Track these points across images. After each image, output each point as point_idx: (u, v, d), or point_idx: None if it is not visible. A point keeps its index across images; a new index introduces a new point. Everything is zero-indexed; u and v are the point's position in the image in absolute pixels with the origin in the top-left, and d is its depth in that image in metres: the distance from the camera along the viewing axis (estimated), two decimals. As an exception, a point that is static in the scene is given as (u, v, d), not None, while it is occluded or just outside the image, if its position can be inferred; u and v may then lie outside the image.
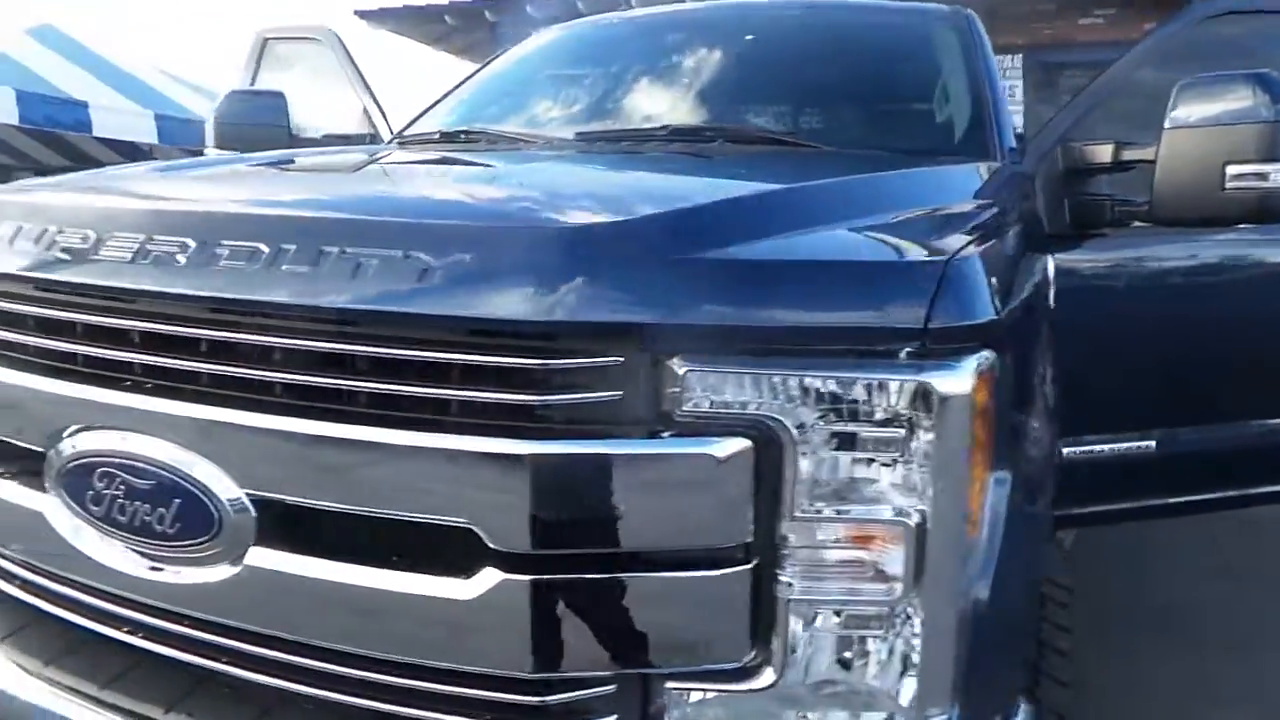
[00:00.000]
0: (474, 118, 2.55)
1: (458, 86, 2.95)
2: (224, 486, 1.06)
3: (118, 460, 1.11)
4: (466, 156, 1.96)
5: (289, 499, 1.04)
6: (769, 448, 0.98)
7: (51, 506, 1.19)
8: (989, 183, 1.73)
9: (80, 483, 1.15)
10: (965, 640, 1.02)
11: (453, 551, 1.01)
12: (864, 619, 1.02)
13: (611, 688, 1.02)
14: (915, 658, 1.01)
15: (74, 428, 1.16)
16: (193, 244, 1.11)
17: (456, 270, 0.99)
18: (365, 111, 3.08)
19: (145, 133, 8.82)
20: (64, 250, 1.19)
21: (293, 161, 1.80)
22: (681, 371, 0.96)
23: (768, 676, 1.01)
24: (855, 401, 0.98)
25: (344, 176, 1.64)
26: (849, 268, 1.03)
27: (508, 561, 0.98)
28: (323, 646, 1.06)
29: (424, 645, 1.02)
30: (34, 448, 1.20)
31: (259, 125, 2.77)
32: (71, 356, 1.18)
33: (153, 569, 1.11)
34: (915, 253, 1.07)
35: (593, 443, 0.97)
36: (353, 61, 3.11)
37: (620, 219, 1.04)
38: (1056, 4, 8.10)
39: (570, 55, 2.84)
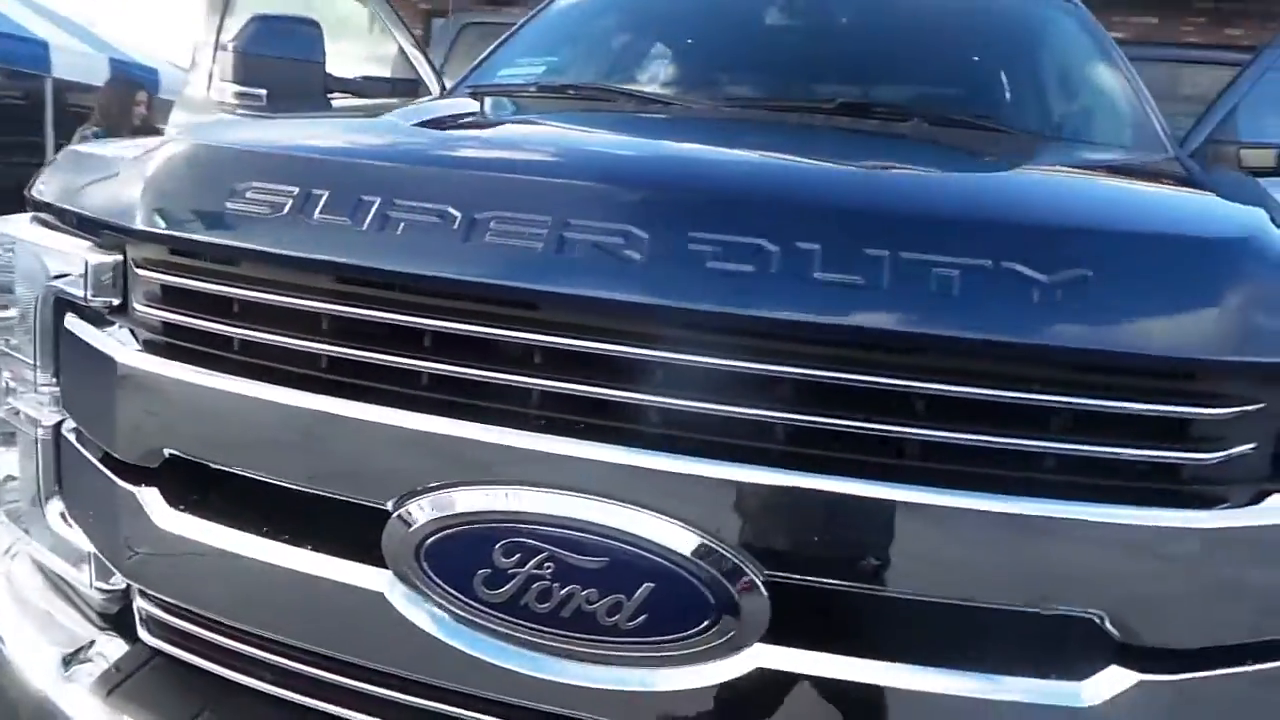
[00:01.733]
0: (569, 71, 2.22)
1: (516, 31, 2.57)
2: (726, 565, 0.79)
3: (542, 530, 0.81)
4: (712, 123, 1.63)
5: (826, 582, 0.79)
6: None
7: (395, 586, 0.86)
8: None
9: (461, 556, 0.83)
10: None
11: (1048, 647, 0.80)
12: None
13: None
14: None
15: (445, 481, 0.84)
16: (644, 235, 0.82)
17: (1074, 289, 0.77)
18: (402, 53, 2.65)
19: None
20: (425, 232, 0.85)
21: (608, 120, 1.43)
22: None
23: None
24: None
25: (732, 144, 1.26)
26: None
27: (1143, 660, 0.77)
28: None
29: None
30: (370, 503, 0.87)
31: (291, 60, 2.31)
32: (451, 382, 0.86)
33: (593, 673, 0.82)
34: None
35: (1262, 511, 0.78)
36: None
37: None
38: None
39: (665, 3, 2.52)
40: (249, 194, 0.93)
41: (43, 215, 1.21)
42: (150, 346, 1.00)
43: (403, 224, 0.86)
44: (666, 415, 0.81)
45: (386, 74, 2.66)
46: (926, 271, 0.78)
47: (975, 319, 0.77)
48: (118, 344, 0.98)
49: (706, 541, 0.79)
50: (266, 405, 0.88)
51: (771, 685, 0.80)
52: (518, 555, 0.82)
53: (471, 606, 0.84)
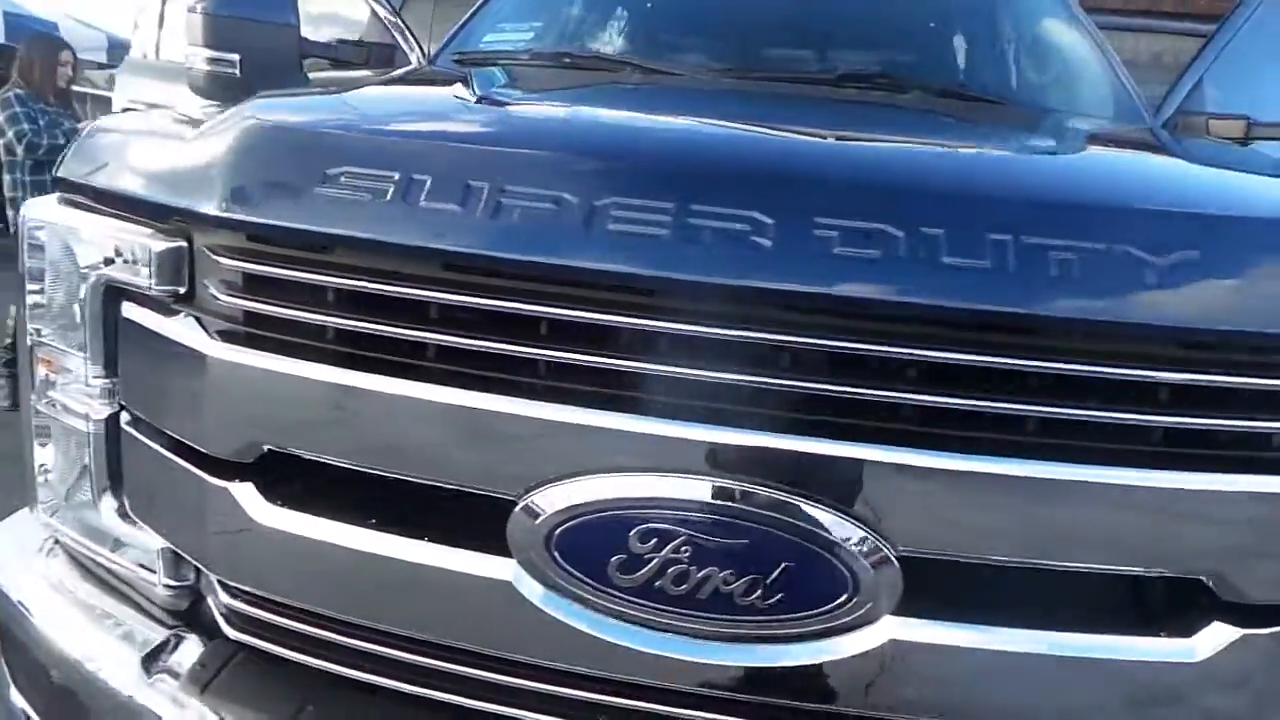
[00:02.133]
0: (564, 38, 2.18)
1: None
2: (860, 542, 0.81)
3: (677, 514, 0.82)
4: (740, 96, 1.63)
5: (957, 555, 0.82)
6: None
7: (522, 576, 0.86)
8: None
9: (593, 544, 0.84)
10: None
11: (1155, 609, 0.86)
12: None
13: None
14: None
15: (575, 470, 0.84)
16: (769, 221, 0.83)
17: (1179, 271, 0.81)
18: (375, 16, 2.54)
19: None
20: (544, 218, 0.84)
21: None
22: None
23: None
24: None
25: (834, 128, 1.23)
26: None
27: (1240, 614, 0.84)
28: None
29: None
30: (494, 494, 0.86)
31: (263, 22, 2.21)
32: (570, 370, 0.85)
33: (730, 651, 0.84)
34: None
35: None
36: (351, -47, 2.54)
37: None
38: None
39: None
40: (343, 179, 0.90)
41: (74, 197, 1.15)
42: (228, 337, 0.97)
43: (520, 210, 0.85)
44: (796, 398, 0.83)
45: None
46: (1045, 255, 0.81)
47: (1096, 300, 0.81)
48: (205, 336, 0.94)
49: (841, 519, 0.81)
50: (385, 398, 0.86)
51: (905, 656, 0.83)
52: (654, 540, 0.83)
53: (605, 592, 0.85)
